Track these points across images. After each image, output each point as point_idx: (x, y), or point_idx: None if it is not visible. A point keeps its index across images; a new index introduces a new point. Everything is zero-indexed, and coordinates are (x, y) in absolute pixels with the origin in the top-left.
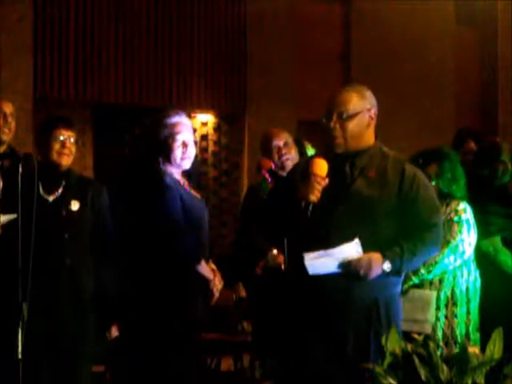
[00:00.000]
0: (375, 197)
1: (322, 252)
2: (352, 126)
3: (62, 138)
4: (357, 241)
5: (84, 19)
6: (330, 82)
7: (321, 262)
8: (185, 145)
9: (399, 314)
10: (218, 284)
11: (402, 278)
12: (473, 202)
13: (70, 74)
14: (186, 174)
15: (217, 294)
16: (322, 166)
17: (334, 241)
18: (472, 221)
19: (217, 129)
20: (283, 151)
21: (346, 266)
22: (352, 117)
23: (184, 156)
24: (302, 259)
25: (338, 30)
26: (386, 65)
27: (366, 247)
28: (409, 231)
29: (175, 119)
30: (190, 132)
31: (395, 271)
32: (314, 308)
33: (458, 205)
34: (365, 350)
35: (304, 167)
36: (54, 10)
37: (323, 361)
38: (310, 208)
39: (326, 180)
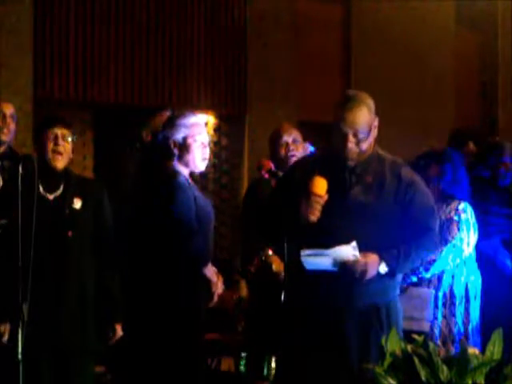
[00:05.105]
0: (372, 202)
1: (318, 251)
2: (367, 143)
3: (55, 136)
4: (354, 244)
5: (84, 19)
6: (329, 82)
7: (317, 259)
8: (204, 145)
9: (400, 319)
10: (219, 288)
11: (400, 281)
12: (474, 202)
13: (70, 74)
14: (191, 175)
15: (216, 298)
16: (321, 185)
17: (334, 246)
18: (472, 221)
19: (217, 129)
20: (291, 147)
21: (342, 267)
22: (367, 136)
23: (203, 157)
24: (298, 256)
25: (338, 30)
26: (386, 65)
27: (365, 250)
28: (405, 234)
29: (193, 120)
30: (206, 132)
31: (390, 273)
32: (314, 314)
33: (458, 204)
34: (366, 355)
35: (303, 180)
36: (54, 10)
37: (324, 367)
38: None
39: (326, 197)
